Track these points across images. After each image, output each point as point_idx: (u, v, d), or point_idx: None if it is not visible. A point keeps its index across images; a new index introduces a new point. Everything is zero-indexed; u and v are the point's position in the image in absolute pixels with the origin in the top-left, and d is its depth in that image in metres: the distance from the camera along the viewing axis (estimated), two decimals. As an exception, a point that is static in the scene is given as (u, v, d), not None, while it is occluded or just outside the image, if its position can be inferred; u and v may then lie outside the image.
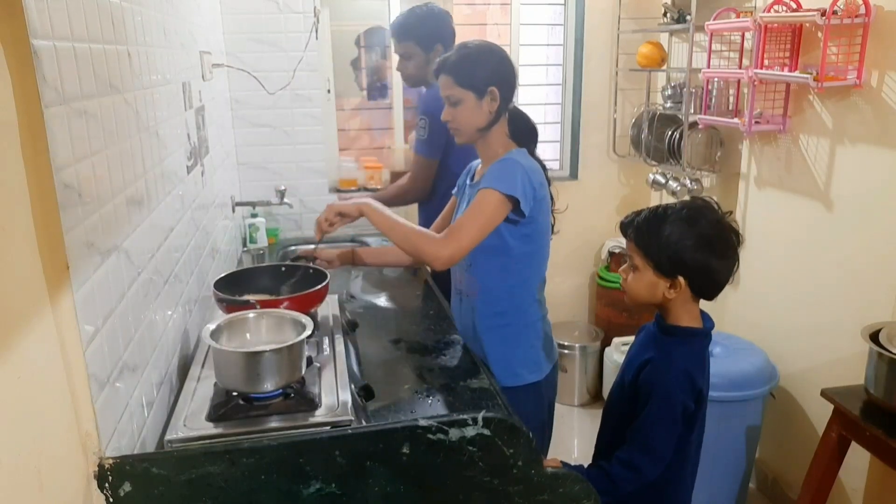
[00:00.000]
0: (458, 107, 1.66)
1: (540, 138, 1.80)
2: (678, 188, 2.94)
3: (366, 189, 3.22)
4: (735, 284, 2.77)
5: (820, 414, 2.26)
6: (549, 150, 3.53)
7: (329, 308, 1.85)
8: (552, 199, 1.77)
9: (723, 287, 1.36)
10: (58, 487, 0.89)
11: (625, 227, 1.42)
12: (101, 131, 1.09)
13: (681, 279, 1.33)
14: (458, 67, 1.65)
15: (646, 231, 1.36)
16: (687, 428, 1.37)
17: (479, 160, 1.82)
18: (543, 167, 1.73)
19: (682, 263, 1.32)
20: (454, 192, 1.93)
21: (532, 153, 1.73)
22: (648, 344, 1.44)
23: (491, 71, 1.65)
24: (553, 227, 1.79)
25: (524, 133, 1.74)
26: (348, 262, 1.97)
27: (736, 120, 2.51)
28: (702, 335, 1.40)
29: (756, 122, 2.42)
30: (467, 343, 1.83)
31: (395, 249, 1.86)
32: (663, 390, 1.34)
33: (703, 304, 1.42)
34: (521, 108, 1.80)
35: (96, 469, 1.01)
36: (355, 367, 1.62)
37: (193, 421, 1.27)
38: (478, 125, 1.67)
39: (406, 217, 1.72)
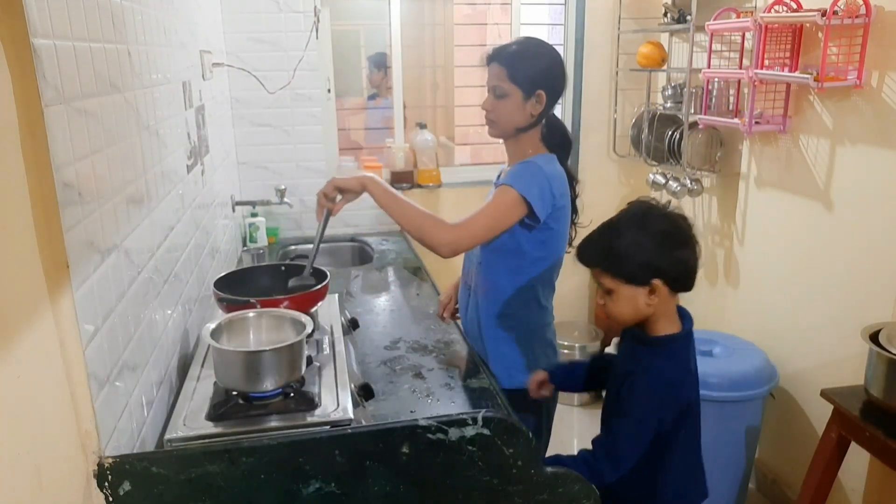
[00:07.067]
0: (503, 100, 1.62)
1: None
2: (678, 188, 2.93)
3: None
4: (735, 284, 2.80)
5: (820, 414, 2.26)
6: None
7: (329, 308, 1.85)
8: (576, 210, 1.73)
9: (696, 273, 1.32)
10: (58, 486, 0.90)
11: (582, 257, 1.37)
12: (102, 130, 1.09)
13: (656, 282, 1.29)
14: (513, 61, 1.59)
15: (602, 251, 1.32)
16: (674, 428, 1.34)
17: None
18: (571, 177, 1.69)
19: (652, 266, 1.28)
20: None
21: (562, 162, 1.68)
22: (628, 355, 1.41)
23: (544, 74, 1.60)
24: (572, 240, 1.72)
25: (557, 140, 1.70)
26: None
27: (736, 120, 2.51)
28: (681, 338, 1.36)
29: (756, 123, 2.42)
30: (470, 337, 1.82)
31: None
32: (639, 406, 1.31)
33: (685, 300, 1.39)
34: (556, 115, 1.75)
35: (96, 468, 1.01)
36: (355, 367, 1.62)
37: (193, 420, 1.27)
38: (517, 124, 1.64)
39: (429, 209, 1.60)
